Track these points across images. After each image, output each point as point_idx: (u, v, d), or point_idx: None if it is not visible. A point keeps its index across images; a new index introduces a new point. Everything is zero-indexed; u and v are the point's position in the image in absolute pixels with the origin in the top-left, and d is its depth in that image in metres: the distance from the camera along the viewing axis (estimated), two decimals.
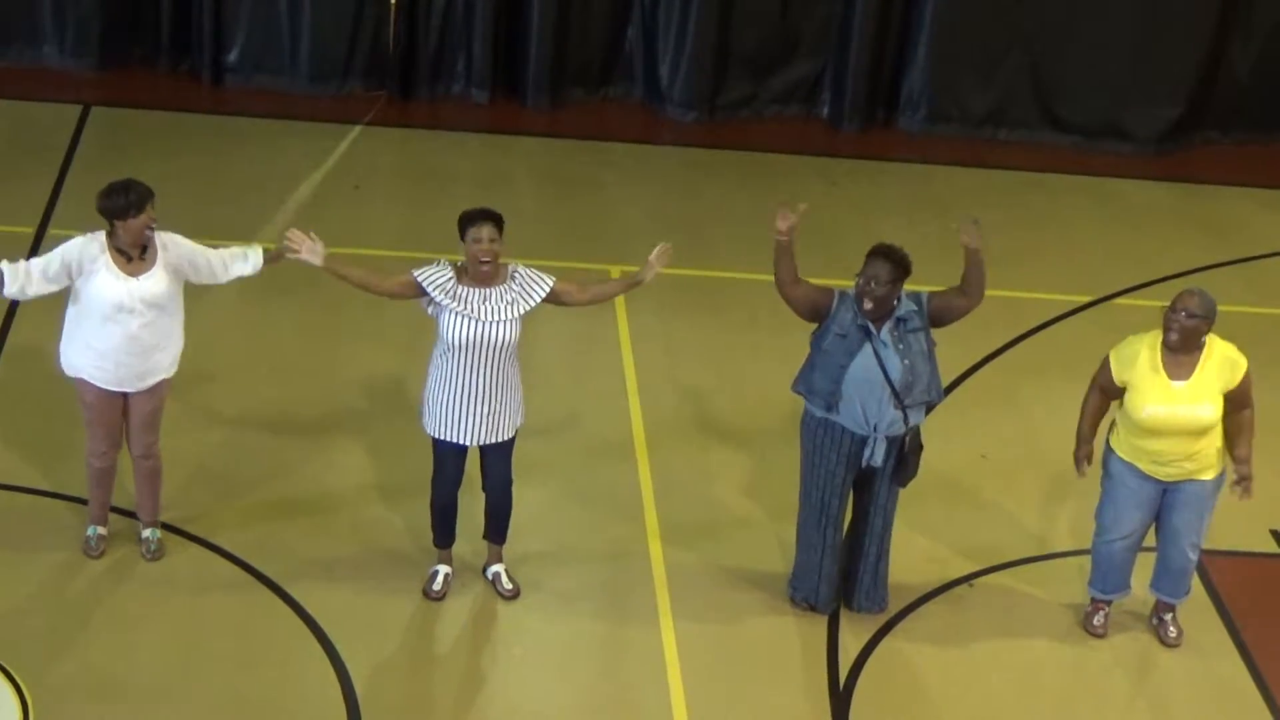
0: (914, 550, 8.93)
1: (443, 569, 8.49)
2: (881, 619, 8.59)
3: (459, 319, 7.94)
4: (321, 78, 14.07)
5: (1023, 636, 8.63)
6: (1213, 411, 8.03)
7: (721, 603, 8.66)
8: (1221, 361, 8.04)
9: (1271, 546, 9.48)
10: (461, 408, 8.06)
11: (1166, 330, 8.00)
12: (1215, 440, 8.16)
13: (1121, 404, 8.20)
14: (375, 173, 12.99)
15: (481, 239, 7.90)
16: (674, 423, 10.11)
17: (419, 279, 7.99)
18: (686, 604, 8.60)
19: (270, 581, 8.45)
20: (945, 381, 9.62)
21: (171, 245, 8.10)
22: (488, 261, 7.91)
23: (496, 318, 7.94)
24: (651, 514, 9.26)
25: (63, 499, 8.87)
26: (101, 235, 7.98)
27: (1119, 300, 11.81)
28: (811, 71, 14.49)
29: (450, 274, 7.99)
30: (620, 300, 11.20)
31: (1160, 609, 8.66)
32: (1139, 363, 8.06)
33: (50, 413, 9.38)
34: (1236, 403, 8.10)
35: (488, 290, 7.96)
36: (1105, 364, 8.21)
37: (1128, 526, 8.37)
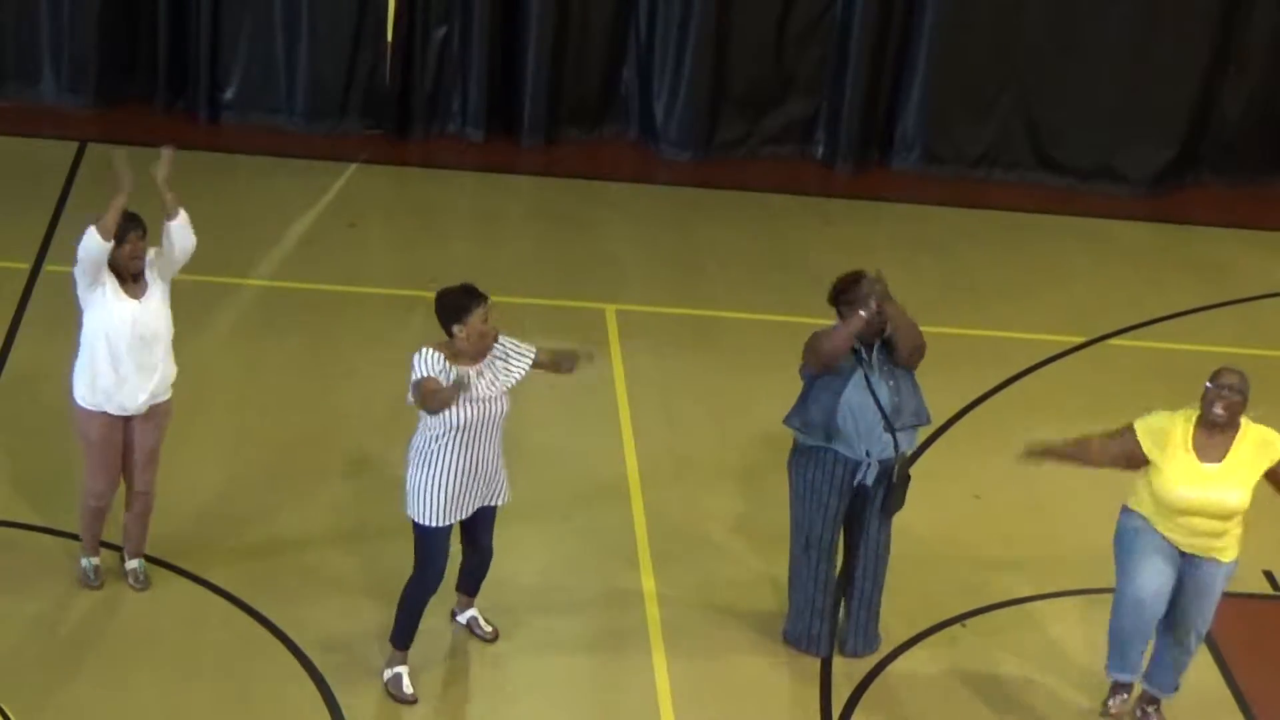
0: (907, 590, 8.91)
1: (406, 670, 8.10)
2: (874, 659, 8.59)
3: (460, 402, 7.68)
4: (317, 116, 14.10)
5: (1016, 677, 8.62)
6: (1241, 497, 7.74)
7: (715, 642, 8.65)
8: (1257, 444, 7.76)
9: (1265, 588, 9.48)
10: (463, 488, 7.82)
11: (1211, 405, 7.66)
12: (1241, 525, 7.89)
13: (1148, 480, 7.87)
14: (370, 211, 12.99)
15: (487, 318, 7.67)
16: (668, 461, 10.11)
17: (430, 376, 7.62)
18: (680, 643, 8.59)
19: (264, 619, 8.43)
20: (938, 422, 9.67)
21: (155, 258, 8.19)
22: (496, 339, 7.78)
23: (493, 393, 7.77)
24: (645, 553, 9.25)
25: (53, 534, 8.85)
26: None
27: (1112, 341, 11.82)
28: (806, 112, 14.52)
29: (442, 361, 7.66)
30: (614, 338, 11.23)
31: (1144, 699, 8.33)
32: (1172, 441, 7.75)
33: (42, 446, 9.37)
34: None
35: (479, 367, 7.77)
36: (1130, 432, 7.86)
37: (1151, 576, 7.88)
